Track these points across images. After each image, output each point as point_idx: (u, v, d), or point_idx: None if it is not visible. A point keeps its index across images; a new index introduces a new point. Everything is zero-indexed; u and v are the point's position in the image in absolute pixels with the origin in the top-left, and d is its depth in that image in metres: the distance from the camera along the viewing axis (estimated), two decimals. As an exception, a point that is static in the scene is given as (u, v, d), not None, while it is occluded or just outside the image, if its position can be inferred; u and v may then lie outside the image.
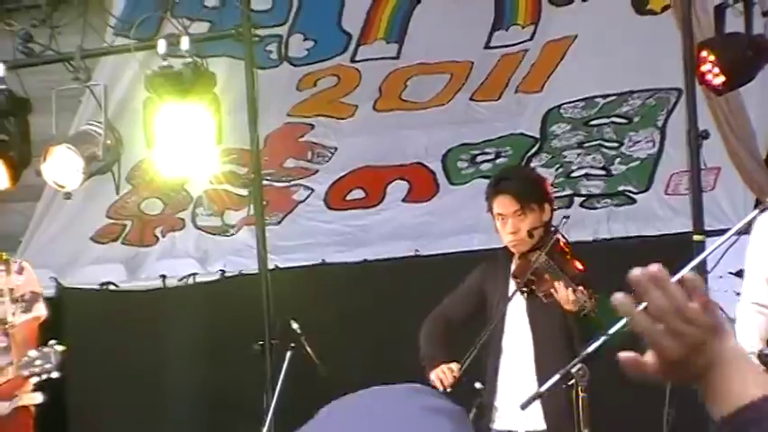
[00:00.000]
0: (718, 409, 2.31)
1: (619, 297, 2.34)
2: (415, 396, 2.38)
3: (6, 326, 8.59)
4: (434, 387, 7.76)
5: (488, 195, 8.11)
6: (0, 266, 8.61)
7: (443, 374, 7.86)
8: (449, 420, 2.32)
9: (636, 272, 2.32)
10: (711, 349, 2.30)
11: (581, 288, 7.76)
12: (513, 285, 8.01)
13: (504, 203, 8.05)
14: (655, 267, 2.33)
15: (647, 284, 2.34)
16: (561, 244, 8.16)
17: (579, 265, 8.10)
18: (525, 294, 7.98)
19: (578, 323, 7.71)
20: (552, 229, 8.13)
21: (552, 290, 7.81)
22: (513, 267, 8.06)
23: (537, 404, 7.55)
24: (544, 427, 7.83)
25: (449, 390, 7.82)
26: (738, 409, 2.28)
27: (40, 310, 8.62)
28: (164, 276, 11.31)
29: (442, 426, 2.32)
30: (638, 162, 11.10)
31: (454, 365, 7.90)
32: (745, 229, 7.78)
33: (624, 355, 2.37)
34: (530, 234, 8.02)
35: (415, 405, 2.35)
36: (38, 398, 8.71)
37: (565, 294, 7.72)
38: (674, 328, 2.31)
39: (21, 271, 8.68)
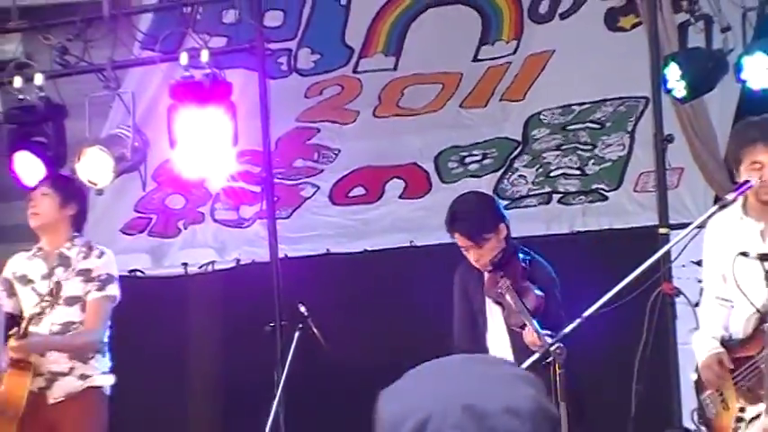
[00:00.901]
0: None
1: None
2: (502, 363, 2.52)
3: (81, 302, 8.66)
4: None
5: (447, 230, 8.14)
6: (83, 249, 8.69)
7: None
8: (531, 387, 2.34)
9: None
10: None
11: (547, 332, 7.62)
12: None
13: (461, 240, 8.05)
14: None
15: None
16: (521, 268, 8.06)
17: (537, 293, 8.00)
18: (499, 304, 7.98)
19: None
20: (512, 244, 8.11)
21: (521, 327, 7.82)
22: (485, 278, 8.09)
23: None
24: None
25: None
26: None
27: (113, 291, 8.72)
28: (185, 264, 11.34)
29: (527, 389, 2.35)
30: (609, 163, 11.10)
31: None
32: (706, 224, 7.81)
33: None
34: (492, 260, 8.00)
35: (505, 370, 2.42)
36: (111, 379, 8.76)
37: (531, 339, 7.67)
38: None
39: (100, 255, 8.78)
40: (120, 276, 9.79)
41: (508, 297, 7.84)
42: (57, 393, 8.63)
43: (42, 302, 8.44)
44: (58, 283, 8.45)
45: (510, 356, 7.87)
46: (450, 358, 2.49)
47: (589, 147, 11.26)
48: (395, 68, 12.38)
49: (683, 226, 8.30)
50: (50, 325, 8.55)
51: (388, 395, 2.39)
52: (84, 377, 8.68)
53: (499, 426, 2.28)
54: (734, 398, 7.49)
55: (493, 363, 2.50)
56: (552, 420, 2.37)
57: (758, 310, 7.30)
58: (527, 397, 2.34)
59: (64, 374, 8.63)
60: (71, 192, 8.99)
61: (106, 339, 8.72)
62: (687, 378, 8.72)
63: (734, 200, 7.46)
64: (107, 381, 8.78)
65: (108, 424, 8.86)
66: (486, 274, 8.09)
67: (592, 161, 11.17)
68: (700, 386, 7.76)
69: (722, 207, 7.60)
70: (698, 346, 7.80)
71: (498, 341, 8.00)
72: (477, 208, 8.43)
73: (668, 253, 8.18)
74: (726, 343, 7.58)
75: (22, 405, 8.45)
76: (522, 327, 7.82)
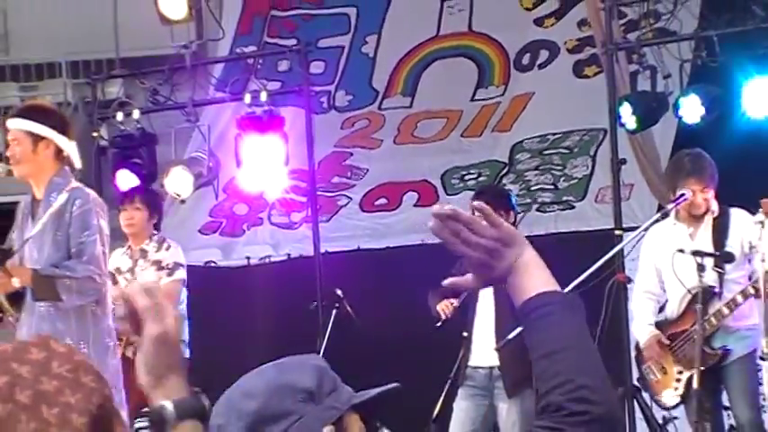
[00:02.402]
0: (517, 300, 2.29)
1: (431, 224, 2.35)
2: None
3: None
4: (439, 316, 7.74)
5: (471, 202, 7.86)
6: (156, 244, 8.57)
7: (445, 306, 7.70)
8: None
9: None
10: (508, 257, 2.30)
11: None
12: None
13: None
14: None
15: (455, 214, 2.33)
16: None
17: None
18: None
19: None
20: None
21: None
22: None
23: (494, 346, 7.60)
24: (498, 363, 7.63)
25: (449, 317, 7.73)
26: (527, 299, 2.26)
27: (180, 275, 8.55)
28: (248, 258, 11.34)
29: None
30: (576, 180, 11.07)
31: (454, 300, 7.75)
32: (658, 219, 7.79)
33: (446, 281, 2.50)
34: None
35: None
36: (186, 352, 8.47)
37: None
38: (465, 237, 2.30)
39: (168, 248, 8.62)
40: (197, 266, 9.90)
41: None
42: None
43: None
44: (134, 275, 8.45)
45: (492, 315, 7.73)
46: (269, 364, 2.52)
47: (560, 167, 11.25)
48: (410, 106, 12.36)
49: (633, 229, 8.28)
50: None
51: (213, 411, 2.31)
52: None
53: (234, 406, 2.35)
54: (672, 365, 7.54)
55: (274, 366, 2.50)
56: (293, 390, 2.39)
57: (689, 291, 7.27)
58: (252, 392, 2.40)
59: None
60: (156, 205, 8.94)
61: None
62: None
63: (672, 209, 7.49)
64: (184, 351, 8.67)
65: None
66: None
67: (562, 179, 11.16)
68: (639, 359, 7.82)
69: (664, 215, 7.63)
70: (638, 332, 7.84)
71: (486, 302, 7.73)
72: (498, 190, 8.81)
73: (622, 250, 8.15)
74: (661, 324, 7.65)
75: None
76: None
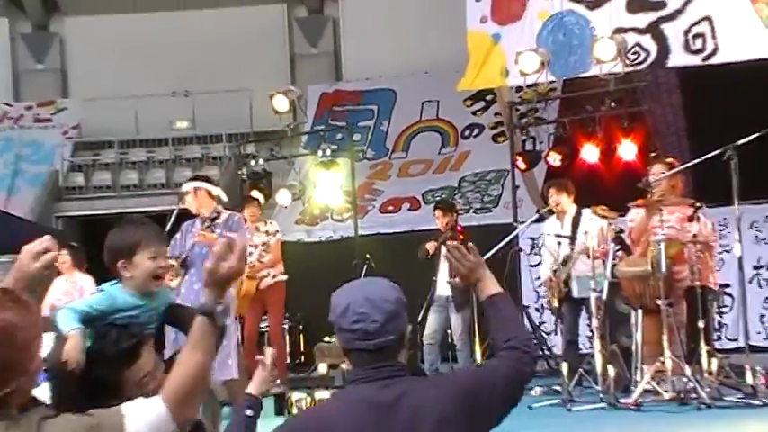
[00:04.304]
0: (482, 296, 2.24)
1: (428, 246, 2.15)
2: (380, 282, 2.17)
3: (265, 246, 7.76)
4: (428, 252, 7.23)
5: (434, 210, 7.88)
6: (261, 224, 7.85)
7: (430, 246, 7.27)
8: (394, 291, 2.11)
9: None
10: (477, 272, 2.23)
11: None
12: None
13: (439, 212, 7.60)
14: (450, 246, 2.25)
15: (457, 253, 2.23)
16: (458, 230, 7.48)
17: (462, 237, 7.30)
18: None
19: None
20: (457, 224, 7.66)
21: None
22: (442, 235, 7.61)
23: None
24: (451, 293, 7.22)
25: (432, 252, 7.26)
26: (489, 296, 2.23)
27: (279, 236, 7.93)
28: (320, 237, 11.12)
29: (390, 293, 2.09)
30: (493, 197, 10.95)
31: (434, 243, 7.28)
32: (535, 221, 7.71)
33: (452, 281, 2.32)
34: (448, 223, 7.44)
35: (381, 284, 2.14)
36: (284, 277, 7.84)
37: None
38: (459, 260, 2.25)
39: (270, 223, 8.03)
40: (292, 242, 9.79)
41: (449, 235, 7.33)
42: (263, 284, 7.66)
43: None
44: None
45: (447, 276, 7.42)
46: (356, 281, 2.23)
47: (485, 190, 11.11)
48: (406, 157, 12.16)
49: (522, 222, 8.08)
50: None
51: (334, 296, 2.09)
52: (274, 276, 7.78)
53: (378, 305, 2.04)
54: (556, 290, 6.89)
55: (375, 282, 2.18)
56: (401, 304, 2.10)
57: (556, 259, 6.85)
58: (387, 298, 2.06)
59: (264, 276, 7.68)
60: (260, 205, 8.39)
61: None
62: (527, 296, 8.63)
63: (545, 212, 7.18)
64: (284, 277, 7.88)
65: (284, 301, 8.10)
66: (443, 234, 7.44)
67: (485, 196, 11.04)
68: (544, 284, 7.26)
69: (541, 217, 7.44)
70: (543, 272, 7.27)
71: (443, 270, 7.15)
72: (449, 203, 8.35)
73: (516, 236, 7.96)
74: (554, 273, 6.97)
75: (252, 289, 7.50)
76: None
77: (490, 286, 2.25)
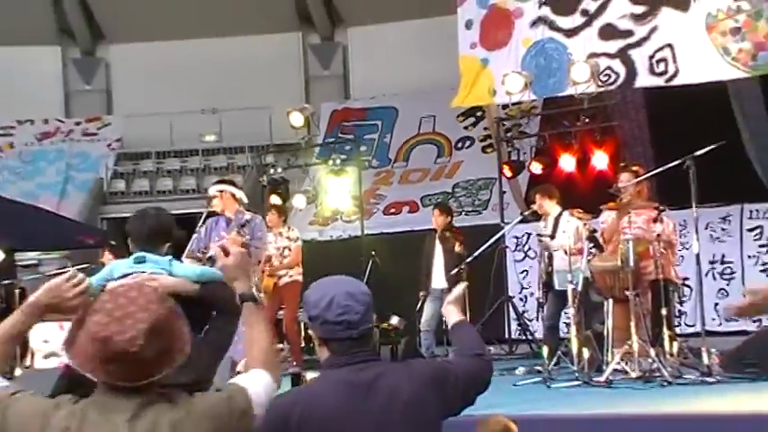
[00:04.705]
0: (449, 322, 2.29)
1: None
2: (353, 280, 2.14)
3: (286, 250, 7.38)
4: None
5: (432, 210, 7.84)
6: (286, 229, 7.51)
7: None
8: (364, 288, 2.09)
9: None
10: (454, 307, 2.30)
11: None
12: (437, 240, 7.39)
13: (437, 213, 7.48)
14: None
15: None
16: (454, 229, 7.37)
17: (457, 236, 7.18)
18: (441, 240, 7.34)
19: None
20: (453, 224, 7.53)
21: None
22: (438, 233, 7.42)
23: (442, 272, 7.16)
24: (446, 285, 6.98)
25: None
26: (453, 323, 2.28)
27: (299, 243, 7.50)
28: (331, 236, 11.01)
29: (363, 288, 2.09)
30: (482, 200, 10.89)
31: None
32: (519, 222, 7.54)
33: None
34: (445, 222, 7.32)
35: (353, 281, 2.12)
36: (300, 278, 7.28)
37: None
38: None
39: (291, 229, 7.53)
40: (308, 239, 9.50)
41: (446, 229, 7.30)
42: (281, 282, 7.30)
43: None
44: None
45: (442, 272, 7.14)
46: (335, 277, 2.11)
47: (475, 195, 11.05)
48: (406, 166, 12.07)
49: (508, 223, 8.06)
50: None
51: (311, 293, 2.04)
52: (291, 276, 7.35)
53: (358, 298, 2.01)
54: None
55: (348, 279, 2.11)
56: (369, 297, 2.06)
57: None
58: (364, 292, 2.04)
59: (282, 276, 7.35)
60: (284, 210, 8.21)
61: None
62: (512, 288, 8.36)
63: (528, 214, 7.00)
64: (300, 277, 7.32)
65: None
66: (439, 231, 7.33)
67: (476, 200, 10.98)
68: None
69: (524, 219, 7.31)
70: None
71: (438, 267, 7.21)
72: (446, 205, 8.21)
73: (503, 235, 7.92)
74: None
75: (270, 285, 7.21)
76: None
77: (456, 315, 2.27)
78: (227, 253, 1.90)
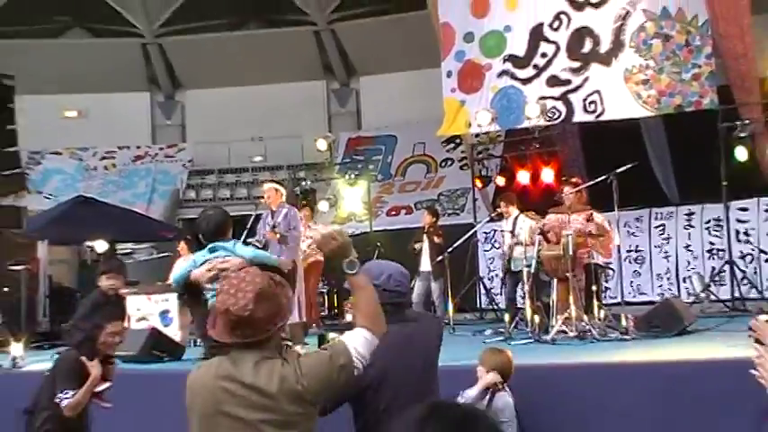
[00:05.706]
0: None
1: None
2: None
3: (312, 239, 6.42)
4: (415, 248, 6.85)
5: (425, 210, 7.76)
6: (312, 223, 7.13)
7: (417, 245, 6.90)
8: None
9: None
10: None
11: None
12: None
13: (424, 215, 7.43)
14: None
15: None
16: (437, 226, 7.19)
17: (439, 232, 7.10)
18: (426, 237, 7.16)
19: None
20: (438, 223, 7.31)
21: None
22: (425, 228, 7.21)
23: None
24: (430, 269, 6.88)
25: (417, 249, 6.90)
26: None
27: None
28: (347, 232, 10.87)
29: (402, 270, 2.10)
30: (459, 205, 10.72)
31: (419, 244, 6.99)
32: (488, 221, 7.38)
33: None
34: (430, 224, 7.18)
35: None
36: (321, 258, 6.43)
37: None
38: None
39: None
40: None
41: (432, 226, 7.13)
42: (309, 261, 6.58)
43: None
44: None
45: (428, 251, 6.94)
46: (384, 261, 2.22)
47: (455, 201, 10.93)
48: (403, 180, 11.95)
49: (479, 222, 7.95)
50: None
51: (374, 268, 2.02)
52: (314, 257, 6.64)
53: (405, 276, 2.06)
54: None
55: (396, 264, 2.16)
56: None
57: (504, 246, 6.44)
58: (407, 274, 2.10)
59: (309, 257, 6.63)
60: (312, 209, 7.85)
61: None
62: (482, 271, 8.32)
63: (495, 215, 6.82)
64: (321, 256, 6.31)
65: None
66: (427, 228, 7.16)
67: (456, 205, 10.86)
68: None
69: (491, 219, 7.13)
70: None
71: (425, 252, 7.07)
72: (434, 208, 8.07)
73: (475, 231, 7.67)
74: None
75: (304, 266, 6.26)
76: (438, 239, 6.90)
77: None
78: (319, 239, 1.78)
